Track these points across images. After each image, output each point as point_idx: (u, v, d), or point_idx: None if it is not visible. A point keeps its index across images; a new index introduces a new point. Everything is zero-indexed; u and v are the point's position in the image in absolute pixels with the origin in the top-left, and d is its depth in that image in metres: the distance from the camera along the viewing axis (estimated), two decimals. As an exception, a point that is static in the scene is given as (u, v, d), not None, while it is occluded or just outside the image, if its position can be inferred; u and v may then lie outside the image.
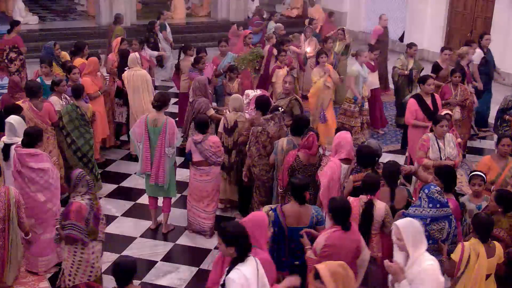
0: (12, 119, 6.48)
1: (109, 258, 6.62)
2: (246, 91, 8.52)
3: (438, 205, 5.07)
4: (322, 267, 3.93)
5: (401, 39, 17.21)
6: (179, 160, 9.08)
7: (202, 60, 9.35)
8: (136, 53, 9.40)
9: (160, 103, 6.94)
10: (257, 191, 7.09)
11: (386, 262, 4.33)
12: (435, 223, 5.07)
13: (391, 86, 11.66)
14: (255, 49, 10.43)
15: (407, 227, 4.30)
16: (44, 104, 7.50)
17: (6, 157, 6.33)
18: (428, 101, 8.03)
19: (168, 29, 13.77)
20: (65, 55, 10.24)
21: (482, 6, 14.89)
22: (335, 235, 4.73)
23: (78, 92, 7.78)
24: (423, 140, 6.80)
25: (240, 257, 4.17)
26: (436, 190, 5.13)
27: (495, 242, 4.91)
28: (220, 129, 7.53)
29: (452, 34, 15.69)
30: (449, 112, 7.54)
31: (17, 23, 11.93)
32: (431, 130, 6.92)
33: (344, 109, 9.64)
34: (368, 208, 5.24)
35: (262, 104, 7.33)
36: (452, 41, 15.68)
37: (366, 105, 9.86)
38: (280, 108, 7.32)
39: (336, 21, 18.69)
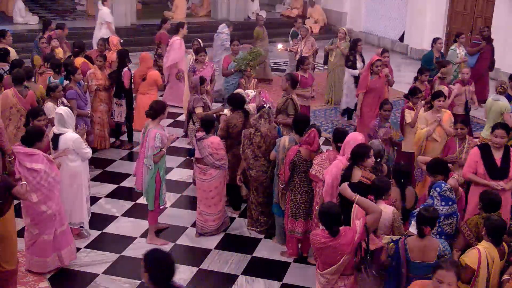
0: (62, 110, 6.64)
1: (109, 258, 6.63)
2: (246, 91, 8.48)
3: (450, 203, 5.21)
4: None
5: (401, 39, 17.23)
6: (178, 161, 9.10)
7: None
8: None
9: (151, 112, 6.70)
10: (254, 192, 7.07)
11: None
12: (447, 219, 5.17)
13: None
14: (255, 49, 10.26)
15: None
16: (29, 92, 7.82)
17: (55, 146, 6.58)
18: (498, 155, 6.30)
19: (300, 37, 12.25)
20: (60, 51, 10.22)
21: (482, 6, 14.90)
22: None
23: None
24: None
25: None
26: (447, 188, 5.25)
27: (504, 243, 4.85)
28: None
29: (452, 34, 15.65)
30: None
31: (165, 20, 12.31)
32: None
33: None
34: None
35: (236, 101, 7.37)
36: (452, 42, 15.66)
37: None
38: (265, 105, 7.29)
39: (336, 21, 18.77)
